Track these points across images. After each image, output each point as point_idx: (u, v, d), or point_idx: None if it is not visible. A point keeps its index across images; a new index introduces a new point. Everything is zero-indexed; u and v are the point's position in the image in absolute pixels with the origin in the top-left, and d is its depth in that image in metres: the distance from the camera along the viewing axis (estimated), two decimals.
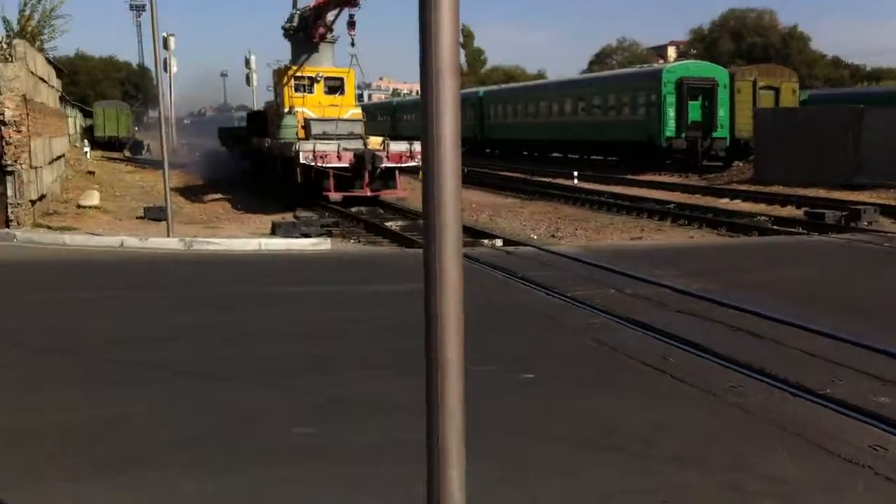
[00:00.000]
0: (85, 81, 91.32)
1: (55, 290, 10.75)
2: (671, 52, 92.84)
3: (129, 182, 32.53)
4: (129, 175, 36.78)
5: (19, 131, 15.53)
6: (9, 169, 15.48)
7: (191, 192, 28.09)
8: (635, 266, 12.30)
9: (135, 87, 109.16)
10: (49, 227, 16.49)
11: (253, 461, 5.13)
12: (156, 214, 19.08)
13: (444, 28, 2.19)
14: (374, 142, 23.81)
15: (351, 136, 23.83)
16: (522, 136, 48.67)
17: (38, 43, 22.31)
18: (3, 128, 15.33)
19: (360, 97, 51.51)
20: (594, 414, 6.16)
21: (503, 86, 58.99)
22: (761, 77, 37.83)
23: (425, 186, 2.28)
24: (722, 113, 36.61)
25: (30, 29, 21.88)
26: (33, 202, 16.80)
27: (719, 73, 37.80)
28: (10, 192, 15.64)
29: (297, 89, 25.63)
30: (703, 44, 76.91)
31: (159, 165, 42.16)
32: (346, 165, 21.90)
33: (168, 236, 14.82)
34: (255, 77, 55.31)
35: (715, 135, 36.68)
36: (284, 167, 24.10)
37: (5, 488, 4.69)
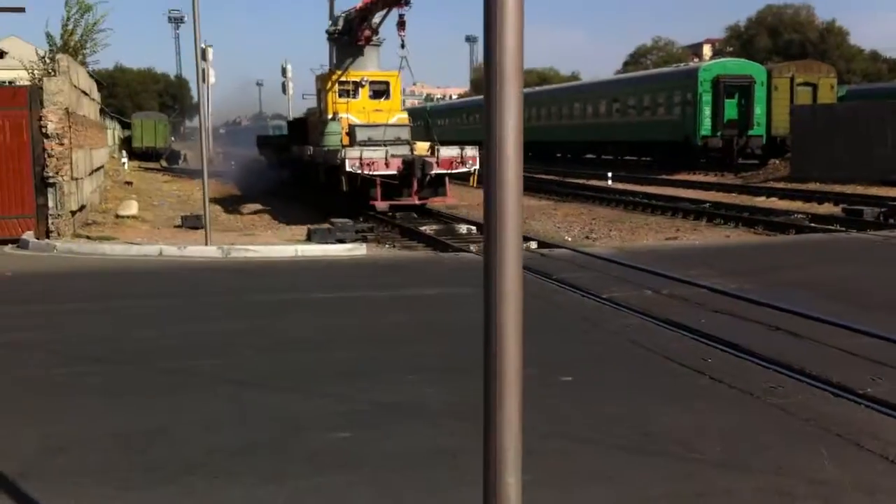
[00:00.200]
0: (123, 93, 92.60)
1: (96, 299, 10.92)
2: (706, 51, 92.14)
3: (165, 191, 32.92)
4: (166, 185, 37.22)
5: (61, 144, 15.79)
6: (50, 181, 15.75)
7: (226, 201, 28.37)
8: (671, 266, 12.25)
9: (172, 97, 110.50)
10: (88, 237, 16.73)
11: (300, 468, 5.20)
12: (193, 223, 19.30)
13: (508, 34, 2.22)
14: (422, 147, 23.14)
15: (398, 141, 22.97)
16: (556, 138, 48.62)
17: (80, 56, 22.63)
18: (45, 140, 15.60)
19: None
20: (634, 416, 6.15)
21: (536, 88, 58.90)
22: (799, 73, 37.48)
23: (487, 192, 2.32)
24: (759, 111, 36.32)
25: (72, 43, 22.18)
26: (73, 213, 17.06)
27: (756, 71, 37.49)
28: (51, 204, 15.91)
29: (340, 94, 24.80)
30: (740, 41, 76.18)
31: (195, 175, 42.67)
32: (395, 173, 21.08)
33: (206, 244, 14.98)
34: (290, 86, 55.62)
35: (751, 133, 36.40)
36: (328, 176, 23.35)
37: (55, 497, 4.80)
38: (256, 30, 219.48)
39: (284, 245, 15.66)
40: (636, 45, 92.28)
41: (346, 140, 23.25)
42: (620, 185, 31.16)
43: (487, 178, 2.33)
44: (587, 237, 18.36)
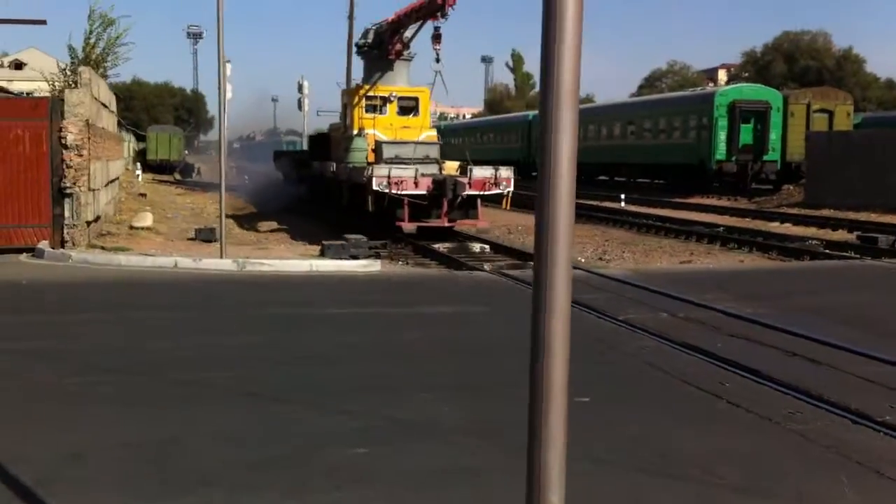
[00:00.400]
0: (140, 106, 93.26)
1: (111, 309, 10.93)
2: (722, 75, 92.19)
3: (179, 204, 33.04)
4: (180, 197, 37.38)
5: (80, 155, 15.87)
6: (67, 191, 15.81)
7: (240, 215, 28.45)
8: (686, 290, 12.20)
9: (188, 111, 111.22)
10: (103, 248, 16.76)
11: (320, 483, 5.18)
12: (206, 236, 19.34)
13: (566, 58, 2.23)
14: (451, 166, 22.20)
15: (426, 160, 21.71)
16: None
17: (101, 69, 22.77)
18: (64, 151, 15.68)
19: None
20: (653, 439, 6.11)
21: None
22: (815, 100, 37.46)
23: (539, 211, 2.32)
24: (774, 136, 36.29)
25: (94, 56, 22.31)
26: (89, 223, 17.12)
27: (773, 97, 37.48)
28: (67, 214, 15.96)
29: (367, 110, 23.85)
30: (756, 67, 76.20)
31: (209, 188, 42.78)
32: (424, 193, 19.84)
33: (221, 257, 15.00)
34: (306, 102, 55.82)
35: (766, 158, 36.37)
36: (352, 194, 22.40)
37: None
38: (273, 45, 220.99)
39: (299, 260, 15.68)
40: (651, 69, 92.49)
41: (371, 157, 22.41)
42: (634, 208, 31.13)
43: (541, 197, 2.34)
44: (601, 258, 18.31)
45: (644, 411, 6.82)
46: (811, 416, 6.67)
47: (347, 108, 25.02)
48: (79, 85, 16.51)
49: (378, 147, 22.09)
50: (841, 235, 21.93)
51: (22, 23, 29.07)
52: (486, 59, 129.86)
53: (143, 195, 34.40)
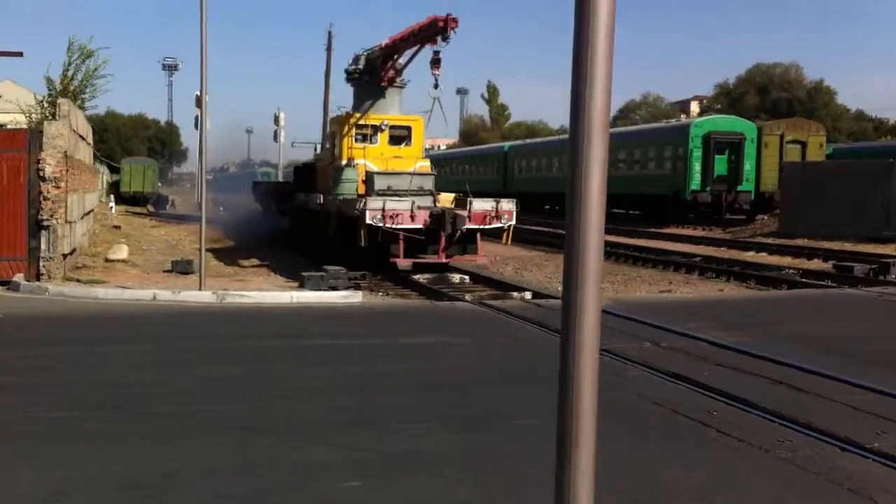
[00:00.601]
0: (113, 138, 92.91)
1: (90, 343, 10.80)
2: (694, 107, 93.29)
3: (154, 236, 32.83)
4: (154, 229, 37.16)
5: (58, 187, 15.74)
6: (45, 224, 15.66)
7: (217, 247, 28.23)
8: (668, 319, 12.25)
9: (161, 143, 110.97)
10: (79, 281, 16.60)
11: None
12: (183, 268, 19.19)
13: (597, 91, 2.24)
14: (446, 198, 21.41)
15: (421, 191, 20.73)
16: (546, 189, 48.91)
17: (79, 101, 22.67)
18: (42, 183, 15.55)
19: None
20: (647, 469, 6.09)
21: (528, 140, 59.48)
22: (789, 131, 38.01)
23: (569, 242, 2.31)
24: (748, 167, 36.74)
25: (72, 88, 22.22)
26: (65, 256, 16.95)
27: (747, 128, 37.98)
28: (43, 246, 15.80)
29: (357, 139, 22.73)
30: (729, 98, 77.23)
31: (183, 220, 42.43)
32: (421, 227, 18.69)
33: (200, 289, 14.89)
34: (282, 134, 55.81)
35: (740, 188, 36.78)
36: (343, 227, 20.99)
37: None
38: (248, 76, 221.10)
39: (279, 291, 15.59)
40: (625, 100, 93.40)
41: (361, 188, 21.40)
42: (611, 238, 31.20)
43: (570, 228, 2.34)
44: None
45: (636, 441, 6.79)
46: (801, 444, 6.68)
47: (336, 136, 23.99)
48: (57, 116, 16.42)
49: (369, 178, 21.22)
50: (817, 264, 22.13)
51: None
52: (462, 91, 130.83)
53: (118, 227, 34.18)
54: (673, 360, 9.71)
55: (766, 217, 35.20)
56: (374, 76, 22.72)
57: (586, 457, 2.44)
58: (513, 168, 52.37)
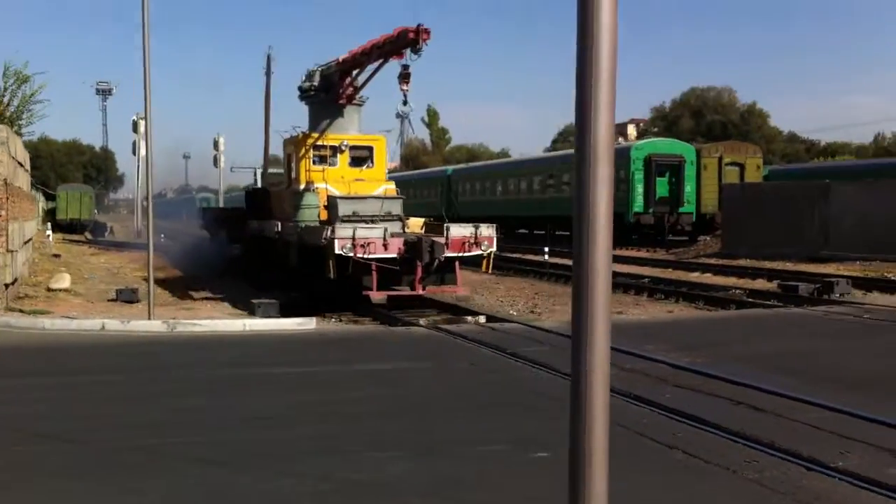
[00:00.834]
0: (47, 165, 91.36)
1: (40, 375, 10.52)
2: (631, 130, 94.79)
3: (94, 264, 32.24)
4: (94, 257, 36.52)
5: None
6: None
7: (161, 275, 27.71)
8: (623, 341, 12.28)
9: (96, 169, 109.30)
10: (22, 311, 16.21)
11: None
12: (128, 296, 18.88)
13: (602, 119, 2.24)
14: (415, 224, 20.18)
15: (389, 217, 19.28)
16: (490, 213, 49.03)
17: (15, 127, 22.19)
18: None
19: None
20: (619, 493, 6.03)
21: (471, 164, 59.80)
22: (727, 153, 38.82)
23: (577, 263, 2.30)
24: (689, 188, 37.37)
25: (8, 114, 21.74)
26: (7, 286, 16.54)
27: (686, 150, 38.68)
28: None
29: (315, 161, 21.23)
30: (665, 121, 78.74)
31: (122, 247, 41.59)
32: (395, 256, 17.11)
33: (149, 318, 14.61)
34: (222, 158, 55.30)
35: (682, 210, 37.37)
36: (304, 257, 19.32)
37: None
38: (185, 101, 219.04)
39: (231, 319, 15.37)
40: (565, 123, 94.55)
41: (324, 214, 20.00)
42: (558, 260, 31.43)
43: (578, 251, 2.33)
44: (532, 311, 18.42)
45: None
46: (766, 464, 6.74)
47: (292, 159, 22.42)
48: None
49: (332, 203, 19.66)
50: (761, 284, 22.52)
51: None
52: (403, 115, 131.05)
53: (58, 256, 33.51)
54: (633, 382, 9.76)
55: (707, 238, 35.80)
56: (330, 93, 21.40)
57: (600, 480, 2.42)
58: (456, 191, 52.56)
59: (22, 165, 21.55)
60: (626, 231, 37.87)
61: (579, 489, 2.47)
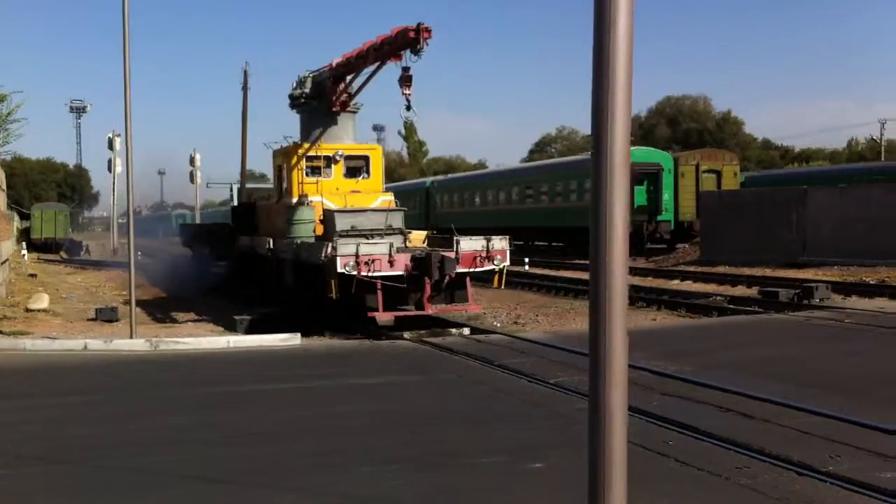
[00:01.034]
0: (21, 183, 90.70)
1: (27, 396, 10.43)
2: None
3: (72, 283, 32.03)
4: (71, 276, 36.30)
5: None
6: None
7: (141, 294, 27.50)
8: None
9: (71, 187, 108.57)
10: (2, 332, 16.07)
11: None
12: (108, 315, 18.76)
13: (618, 133, 2.27)
14: (417, 237, 19.17)
15: (390, 230, 18.10)
16: (469, 224, 49.14)
17: None
18: None
19: None
20: None
21: (450, 175, 59.91)
22: (704, 161, 39.08)
23: (595, 274, 2.32)
24: (667, 196, 37.58)
25: None
26: None
27: (663, 158, 38.92)
28: None
29: (309, 172, 20.14)
30: (641, 130, 79.26)
31: (99, 266, 41.27)
32: (402, 273, 15.98)
33: (131, 337, 14.51)
34: (198, 175, 55.15)
35: (660, 218, 37.55)
36: (301, 275, 18.37)
37: None
38: (160, 118, 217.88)
39: (215, 336, 15.28)
40: (541, 134, 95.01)
41: (319, 229, 18.87)
42: (538, 270, 31.58)
43: (596, 262, 2.35)
44: (515, 322, 18.44)
45: None
46: (758, 470, 6.79)
47: (282, 170, 21.21)
48: None
49: (329, 217, 18.48)
50: (742, 291, 22.66)
51: None
52: (378, 128, 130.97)
53: (34, 275, 33.27)
54: None
55: (686, 245, 36.02)
56: (322, 101, 20.34)
57: (619, 489, 2.45)
58: (435, 203, 52.61)
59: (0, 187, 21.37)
60: None
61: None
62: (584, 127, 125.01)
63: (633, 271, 30.52)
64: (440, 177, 59.56)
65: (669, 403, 9.17)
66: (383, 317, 16.30)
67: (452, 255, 16.41)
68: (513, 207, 44.73)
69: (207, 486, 6.54)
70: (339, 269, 15.51)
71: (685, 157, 40.06)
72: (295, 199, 19.68)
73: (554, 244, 43.23)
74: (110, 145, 53.69)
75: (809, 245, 28.43)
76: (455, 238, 16.90)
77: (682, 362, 11.55)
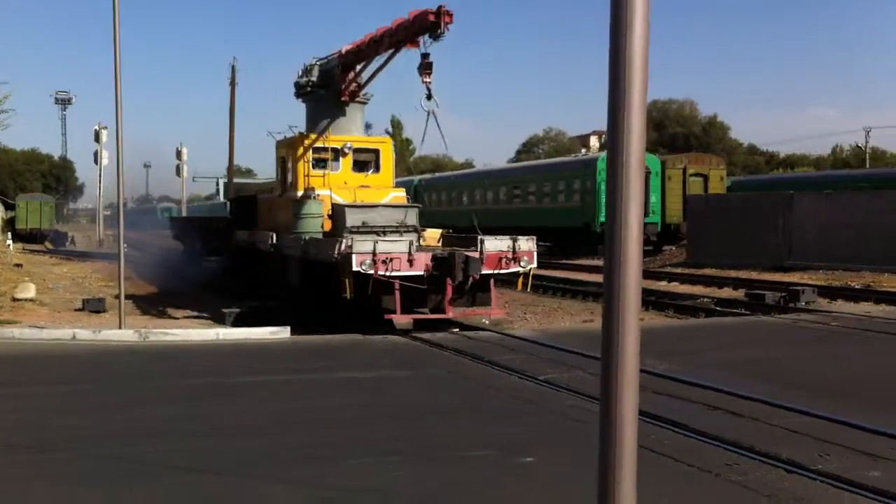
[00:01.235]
0: (5, 174, 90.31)
1: (13, 385, 10.38)
2: (594, 141, 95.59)
3: (58, 274, 31.83)
4: (56, 267, 36.08)
5: None
6: None
7: (127, 286, 27.30)
8: (596, 348, 12.35)
9: (56, 179, 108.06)
10: None
11: None
12: (95, 306, 18.73)
13: (634, 135, 2.30)
14: (431, 236, 18.30)
15: (403, 227, 17.19)
16: (457, 223, 49.27)
17: None
18: None
19: None
20: None
21: (438, 174, 59.89)
22: (691, 165, 39.27)
23: (609, 271, 2.35)
24: (654, 199, 37.71)
25: None
26: None
27: (651, 162, 39.03)
28: None
29: (315, 165, 19.12)
30: None
31: (85, 257, 41.10)
32: (421, 273, 15.01)
33: (120, 328, 14.47)
34: (185, 168, 54.99)
35: (647, 220, 37.61)
36: (311, 274, 17.25)
37: None
38: (147, 110, 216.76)
39: (204, 329, 15.25)
40: (528, 135, 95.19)
41: (327, 225, 17.88)
42: None
43: (611, 261, 2.38)
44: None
45: (586, 470, 6.82)
46: (748, 468, 6.84)
47: (287, 162, 20.17)
48: None
49: (338, 212, 17.39)
50: (728, 293, 22.80)
51: None
52: (366, 126, 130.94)
53: (20, 265, 33.05)
54: None
55: (673, 248, 36.19)
56: (330, 90, 19.26)
57: (629, 482, 2.49)
58: (423, 201, 52.64)
59: None
60: (593, 241, 38.13)
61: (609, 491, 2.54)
62: (571, 128, 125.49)
63: None
64: (428, 175, 59.57)
65: (658, 401, 9.21)
66: (401, 319, 15.22)
67: (476, 254, 15.47)
68: (500, 207, 44.78)
69: (196, 477, 6.53)
70: (355, 268, 14.54)
71: (672, 160, 40.23)
72: (300, 193, 18.69)
73: (541, 244, 43.29)
74: (97, 137, 53.45)
75: (795, 249, 28.64)
76: (479, 237, 15.84)
77: (671, 362, 11.60)
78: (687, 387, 9.92)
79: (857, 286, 22.76)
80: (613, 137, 2.41)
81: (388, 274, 14.59)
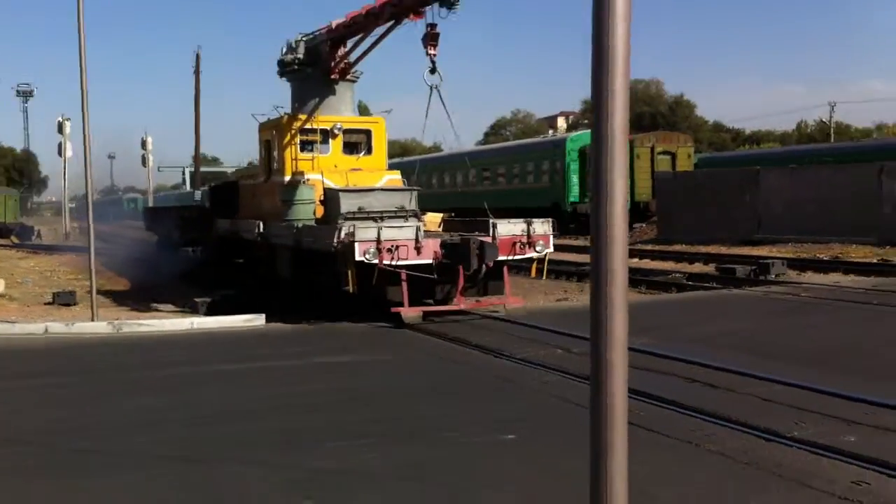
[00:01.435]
0: None
1: None
2: (561, 122, 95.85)
3: (25, 268, 31.46)
4: (23, 261, 35.64)
5: None
6: None
7: (98, 278, 26.97)
8: (573, 325, 12.46)
9: (19, 172, 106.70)
10: None
11: None
12: (66, 299, 18.56)
13: (618, 94, 2.32)
14: (433, 220, 17.32)
15: (402, 212, 16.16)
16: (427, 206, 49.28)
17: None
18: None
19: None
20: (586, 471, 6.19)
21: (405, 158, 59.75)
22: (659, 143, 39.49)
23: (596, 254, 2.36)
24: None
25: None
26: None
27: None
28: None
29: (303, 147, 17.96)
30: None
31: (51, 250, 40.63)
32: (430, 262, 13.93)
33: (93, 320, 14.35)
34: (150, 158, 54.47)
35: None
36: (303, 265, 16.18)
37: None
38: (109, 99, 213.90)
39: (178, 318, 15.15)
40: (496, 117, 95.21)
41: (319, 211, 16.70)
42: None
43: (597, 239, 2.41)
44: (478, 301, 18.42)
45: (571, 444, 6.88)
46: (726, 437, 6.94)
47: (272, 145, 18.87)
48: None
49: (332, 197, 16.27)
50: (699, 268, 23.01)
51: None
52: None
53: None
54: (586, 364, 9.84)
55: (643, 225, 36.42)
56: (317, 67, 17.95)
57: (620, 458, 2.55)
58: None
59: None
60: (563, 220, 38.29)
61: (601, 491, 2.60)
62: (539, 110, 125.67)
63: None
64: (396, 159, 59.50)
65: (635, 375, 9.04)
66: (409, 312, 13.86)
67: (490, 240, 14.31)
68: (470, 189, 44.83)
69: (180, 466, 6.50)
70: (358, 257, 13.44)
71: (640, 139, 40.42)
72: (287, 178, 17.49)
73: None
74: (60, 129, 52.76)
75: (764, 223, 28.97)
76: (491, 221, 14.79)
77: (647, 337, 11.64)
78: (664, 360, 10.01)
79: (825, 258, 23.06)
80: (598, 115, 2.43)
81: (394, 263, 13.57)
